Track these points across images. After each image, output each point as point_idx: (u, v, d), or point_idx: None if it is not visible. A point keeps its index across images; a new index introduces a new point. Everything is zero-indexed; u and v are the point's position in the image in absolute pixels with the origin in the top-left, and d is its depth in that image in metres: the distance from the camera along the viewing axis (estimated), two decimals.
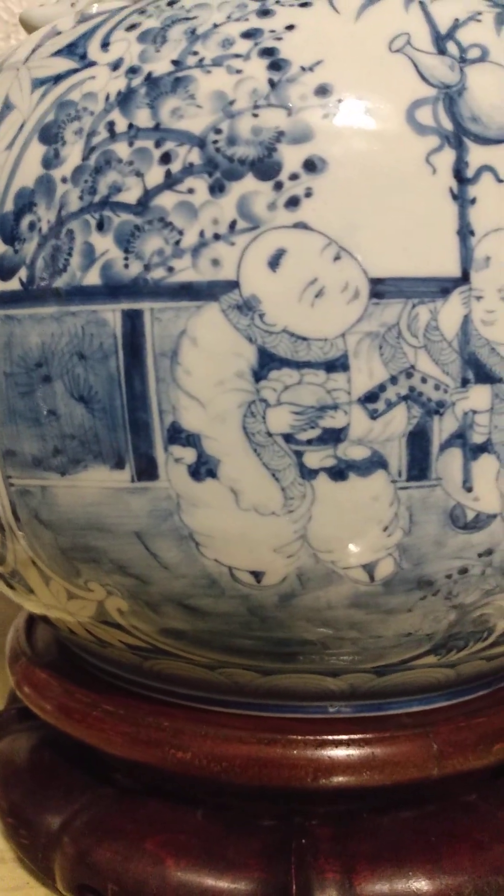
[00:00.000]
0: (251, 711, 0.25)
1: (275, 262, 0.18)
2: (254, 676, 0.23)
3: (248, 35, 0.19)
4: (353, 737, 0.24)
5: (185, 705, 0.25)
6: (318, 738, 0.24)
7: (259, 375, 0.19)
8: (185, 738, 0.24)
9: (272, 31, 0.19)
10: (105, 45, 0.21)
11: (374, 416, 0.19)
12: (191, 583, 0.21)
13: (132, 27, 0.21)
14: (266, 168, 0.18)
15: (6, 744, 0.30)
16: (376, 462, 0.19)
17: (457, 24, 0.20)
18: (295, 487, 0.19)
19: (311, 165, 0.18)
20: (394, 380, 0.19)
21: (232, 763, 0.24)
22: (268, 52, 0.19)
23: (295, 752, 0.23)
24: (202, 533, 0.20)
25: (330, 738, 0.24)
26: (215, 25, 0.20)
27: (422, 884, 0.23)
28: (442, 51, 0.19)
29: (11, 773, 0.28)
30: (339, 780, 0.23)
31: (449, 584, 0.21)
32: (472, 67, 0.19)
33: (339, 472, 0.19)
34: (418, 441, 0.19)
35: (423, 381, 0.19)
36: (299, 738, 0.24)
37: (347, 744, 0.24)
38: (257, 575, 0.20)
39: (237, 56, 0.19)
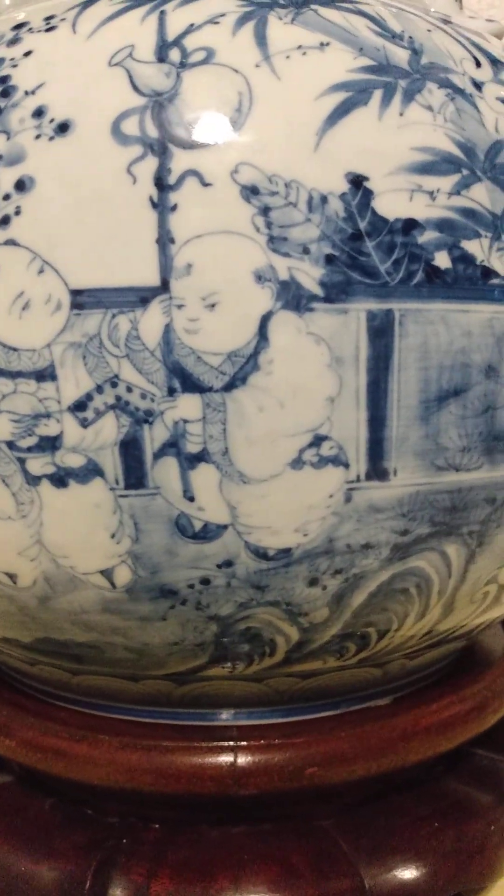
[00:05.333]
0: (80, 708, 0.26)
1: None
2: (64, 675, 0.24)
3: None
4: (156, 743, 0.24)
5: (34, 696, 0.27)
6: (122, 739, 0.24)
7: None
8: (14, 727, 0.25)
9: (11, 60, 0.20)
10: None
11: (84, 424, 0.19)
12: None
13: None
14: None
15: None
16: (92, 470, 0.19)
17: (189, 30, 0.20)
18: (23, 493, 0.20)
19: (20, 185, 0.19)
20: (100, 389, 0.19)
21: (45, 755, 0.25)
22: (2, 80, 0.20)
23: (97, 752, 0.24)
24: None
25: (134, 741, 0.24)
26: None
27: None
28: (162, 59, 0.19)
29: None
30: (136, 784, 0.23)
31: (194, 594, 0.20)
32: (191, 71, 0.19)
33: (59, 479, 0.20)
34: (131, 450, 0.19)
35: (129, 390, 0.19)
36: (105, 738, 0.24)
37: (149, 749, 0.24)
38: (12, 577, 0.21)
39: None
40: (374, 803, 0.26)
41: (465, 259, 0.20)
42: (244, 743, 0.24)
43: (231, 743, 0.23)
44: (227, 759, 0.23)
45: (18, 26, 0.21)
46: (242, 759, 0.23)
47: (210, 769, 0.23)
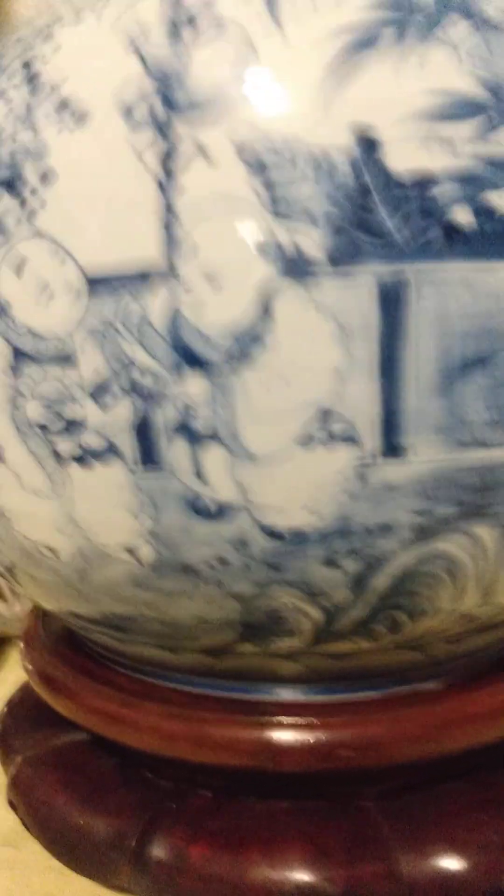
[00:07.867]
0: (135, 674, 0.27)
1: (19, 269, 0.20)
2: (115, 643, 0.26)
3: (26, 64, 0.21)
4: (196, 713, 0.24)
5: (98, 661, 0.28)
6: (166, 707, 0.25)
7: (16, 371, 0.21)
8: (77, 689, 0.27)
9: (43, 56, 0.21)
10: None
11: (103, 407, 0.20)
12: (17, 554, 0.24)
13: None
14: (15, 186, 0.20)
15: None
16: (112, 451, 0.20)
17: (203, 4, 0.20)
18: (57, 473, 0.21)
19: (45, 178, 0.20)
20: (115, 373, 0.20)
21: (100, 718, 0.26)
22: (33, 77, 0.21)
23: (142, 718, 0.25)
24: (8, 509, 0.23)
25: (177, 710, 0.25)
26: (8, 56, 0.22)
27: (244, 872, 0.23)
28: (174, 39, 0.19)
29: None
30: (177, 752, 0.24)
31: (213, 573, 0.21)
32: (200, 48, 0.19)
33: (84, 461, 0.21)
34: (145, 431, 0.20)
35: (142, 373, 0.19)
36: (151, 705, 0.25)
37: (189, 719, 0.24)
38: (54, 551, 0.22)
39: (14, 85, 0.21)
40: (424, 789, 0.26)
41: (489, 213, 0.18)
42: (281, 719, 0.24)
43: (268, 718, 0.24)
44: (262, 734, 0.24)
45: (54, 21, 0.22)
46: (277, 736, 0.23)
47: (245, 743, 0.24)
